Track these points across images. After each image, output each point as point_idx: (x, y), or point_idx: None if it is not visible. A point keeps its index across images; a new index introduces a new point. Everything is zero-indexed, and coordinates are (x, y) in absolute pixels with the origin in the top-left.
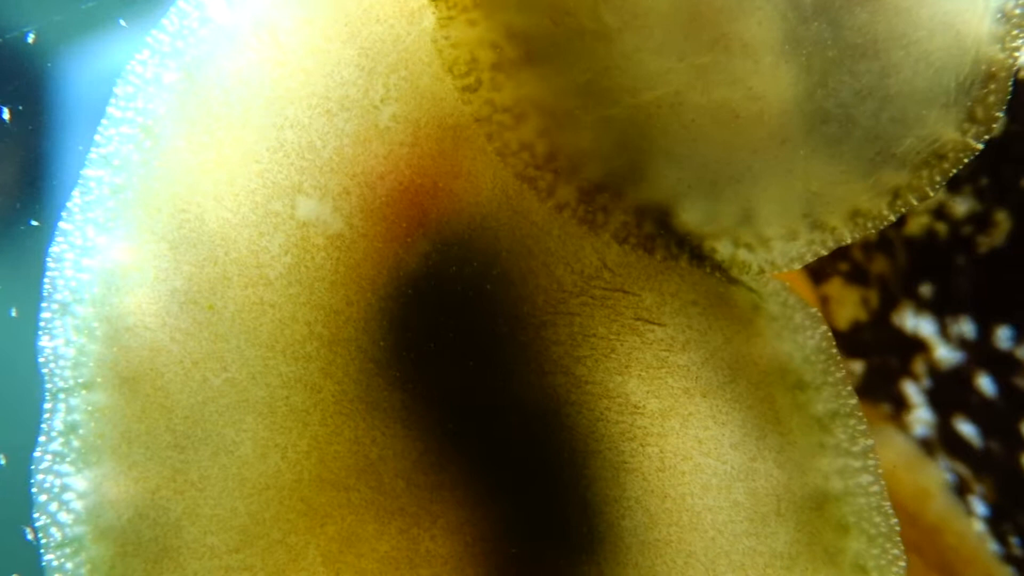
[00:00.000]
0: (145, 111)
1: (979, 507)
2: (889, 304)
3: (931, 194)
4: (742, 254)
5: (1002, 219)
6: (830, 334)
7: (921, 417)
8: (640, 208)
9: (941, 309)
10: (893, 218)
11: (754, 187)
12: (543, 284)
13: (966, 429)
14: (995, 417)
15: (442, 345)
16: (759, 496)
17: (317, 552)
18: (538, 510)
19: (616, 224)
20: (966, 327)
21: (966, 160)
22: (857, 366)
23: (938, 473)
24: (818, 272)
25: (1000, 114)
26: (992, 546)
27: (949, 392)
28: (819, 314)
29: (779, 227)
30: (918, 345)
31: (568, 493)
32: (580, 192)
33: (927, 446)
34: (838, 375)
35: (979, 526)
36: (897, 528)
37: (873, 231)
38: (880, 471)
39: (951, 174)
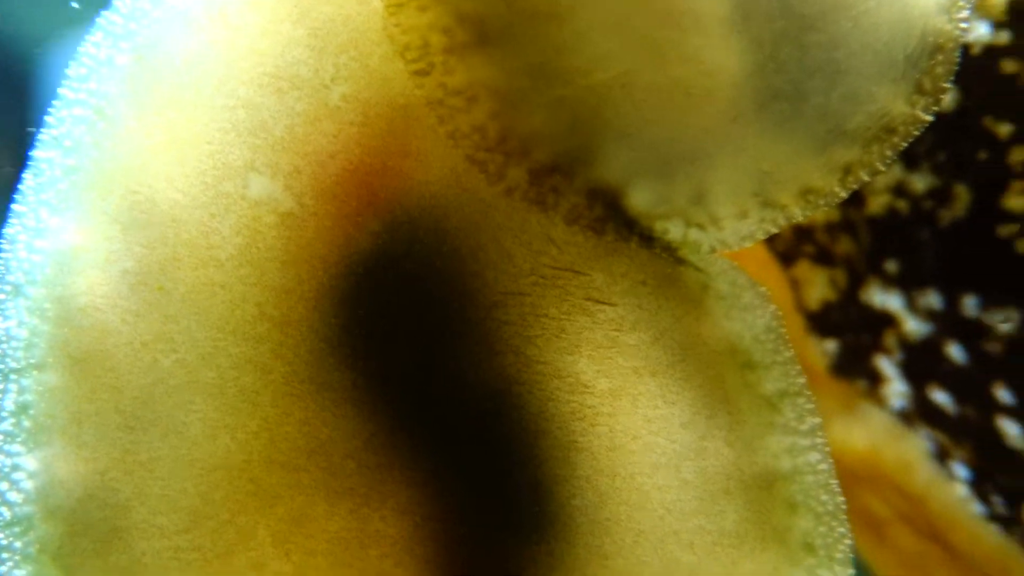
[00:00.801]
0: (98, 93)
1: (961, 471)
2: (856, 282)
3: (882, 169)
4: (693, 234)
5: (961, 192)
6: (779, 313)
7: (897, 390)
8: (591, 190)
9: (907, 283)
10: (844, 195)
11: (706, 167)
12: (493, 259)
13: (941, 397)
14: (967, 383)
15: (393, 324)
16: (708, 475)
17: (266, 532)
18: (488, 490)
19: (567, 206)
20: (933, 299)
21: (916, 133)
22: (831, 345)
23: (919, 443)
24: (786, 255)
25: (948, 85)
26: (976, 507)
27: (921, 363)
28: (768, 293)
29: (730, 206)
30: (888, 320)
31: (518, 473)
32: (531, 174)
33: (905, 418)
34: (787, 354)
35: (962, 490)
36: (843, 506)
37: (824, 208)
38: (827, 449)
39: (901, 148)
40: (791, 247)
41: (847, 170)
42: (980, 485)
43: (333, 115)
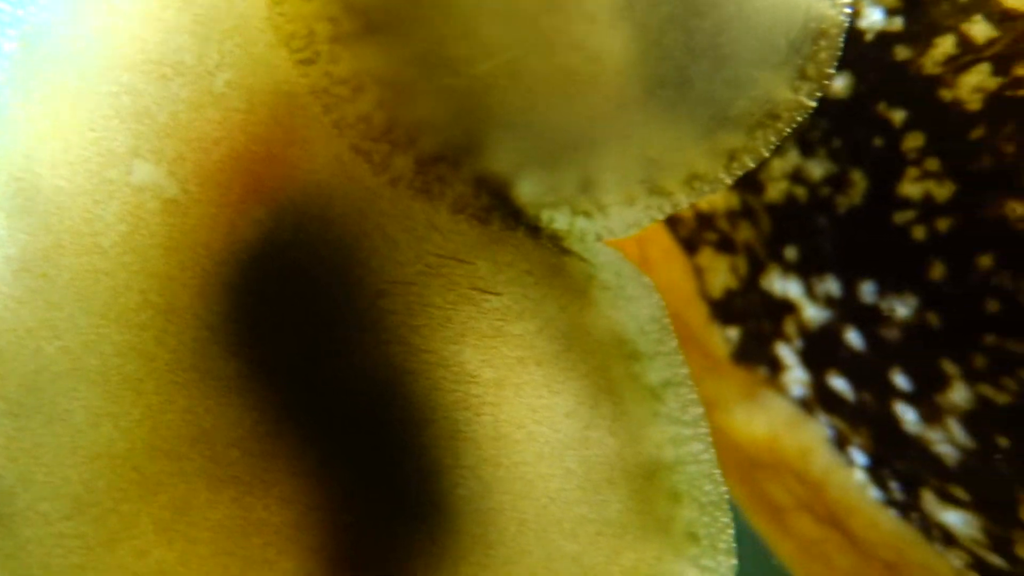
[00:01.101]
0: None
1: (859, 457)
2: (757, 269)
3: (766, 154)
4: (580, 222)
5: (858, 179)
6: (663, 304)
7: (796, 377)
8: (478, 180)
9: (806, 270)
10: (729, 181)
11: (592, 155)
12: (378, 246)
13: (839, 384)
14: (865, 369)
15: (279, 312)
16: (592, 464)
17: (149, 520)
18: (373, 480)
19: (453, 195)
20: (831, 285)
21: (799, 119)
22: (733, 333)
23: (818, 430)
24: (689, 243)
25: (832, 71)
26: (874, 493)
27: (820, 350)
28: (652, 284)
29: (617, 194)
30: (787, 307)
31: (402, 463)
32: (417, 163)
33: (805, 405)
34: (671, 344)
35: (860, 475)
36: (726, 496)
37: (709, 194)
38: (710, 439)
39: (785, 133)
40: (694, 234)
41: (732, 156)
42: (877, 471)
43: (217, 102)
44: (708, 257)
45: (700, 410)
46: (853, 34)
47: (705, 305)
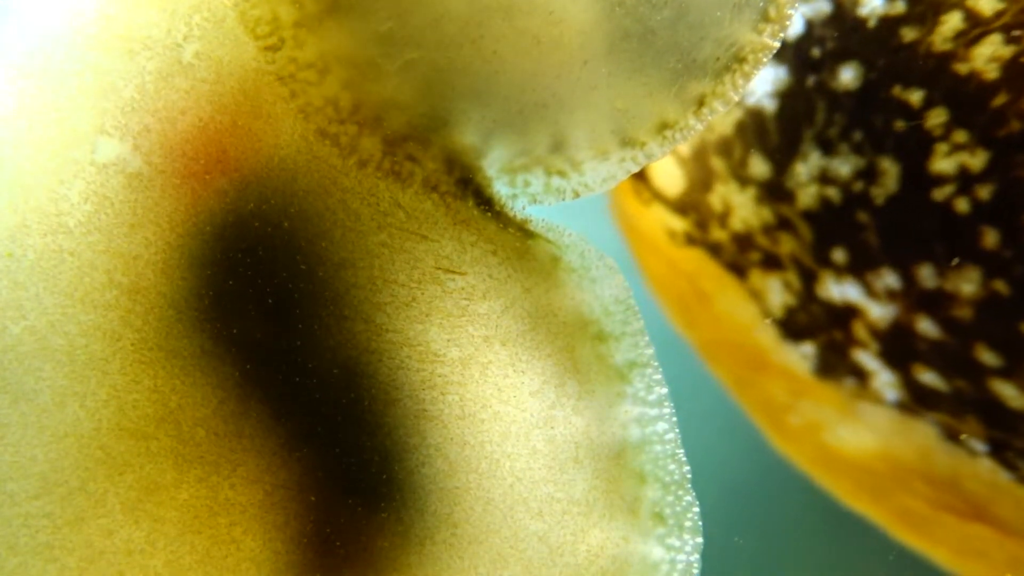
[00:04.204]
0: None
1: (977, 445)
2: (809, 279)
3: (735, 99)
4: (556, 182)
5: (888, 166)
6: (628, 285)
7: (886, 381)
8: (448, 156)
9: (859, 269)
10: (700, 127)
11: (561, 112)
12: (341, 218)
13: (929, 378)
14: (949, 356)
15: (241, 285)
16: (557, 444)
17: (116, 500)
18: (338, 459)
19: (424, 174)
20: (889, 279)
21: (765, 61)
22: (808, 348)
23: (928, 428)
24: (736, 267)
25: (793, 11)
26: (1006, 475)
27: (898, 347)
28: (616, 265)
29: (590, 149)
30: (851, 311)
31: (368, 441)
32: (384, 143)
33: (904, 407)
34: (637, 325)
35: (986, 463)
36: (688, 475)
37: (682, 143)
38: (675, 420)
39: (752, 77)
40: (737, 257)
41: (701, 102)
42: (1000, 453)
43: (185, 72)
44: (759, 278)
45: (665, 390)
46: (855, 23)
47: (773, 327)
